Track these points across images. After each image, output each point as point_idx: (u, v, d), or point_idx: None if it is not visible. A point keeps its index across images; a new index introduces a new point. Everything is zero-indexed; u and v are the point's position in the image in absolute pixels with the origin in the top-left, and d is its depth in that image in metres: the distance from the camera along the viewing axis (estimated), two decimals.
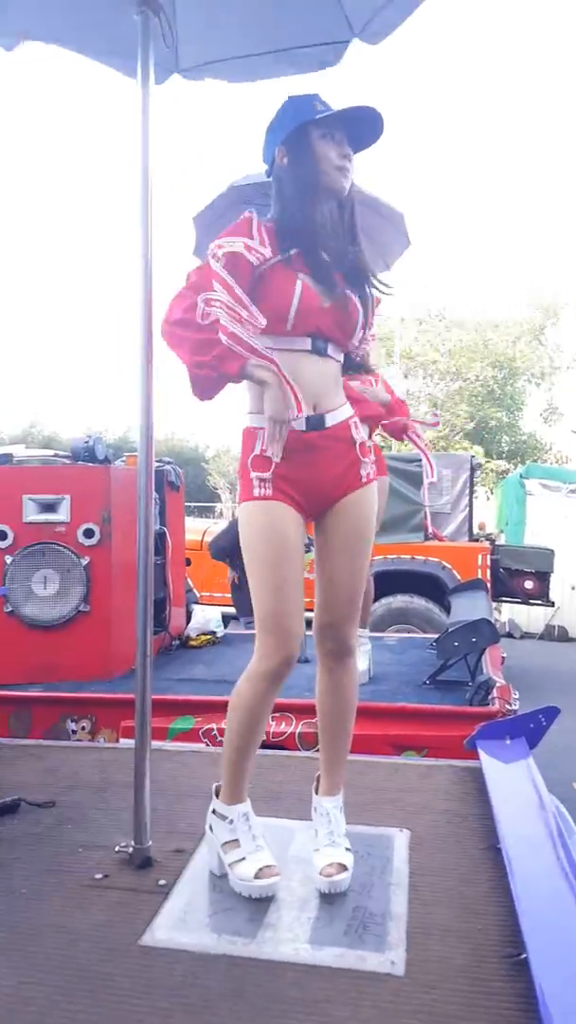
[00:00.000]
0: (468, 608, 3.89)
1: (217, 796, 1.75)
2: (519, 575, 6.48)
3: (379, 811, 2.06)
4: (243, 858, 1.66)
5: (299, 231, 1.65)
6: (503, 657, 3.67)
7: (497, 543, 7.20)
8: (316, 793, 1.81)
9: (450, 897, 1.65)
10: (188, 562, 4.64)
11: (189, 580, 4.73)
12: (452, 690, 3.17)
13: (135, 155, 1.78)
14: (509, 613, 9.06)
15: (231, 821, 1.70)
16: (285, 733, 2.78)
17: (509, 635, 9.03)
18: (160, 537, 3.92)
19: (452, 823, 2.01)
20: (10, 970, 1.40)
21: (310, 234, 1.65)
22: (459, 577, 5.79)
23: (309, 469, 1.66)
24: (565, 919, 1.44)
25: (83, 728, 2.98)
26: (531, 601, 6.73)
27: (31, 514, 3.36)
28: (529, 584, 6.50)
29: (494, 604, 6.16)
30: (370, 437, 3.40)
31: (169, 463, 4.24)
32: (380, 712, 2.77)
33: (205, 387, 1.66)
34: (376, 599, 5.43)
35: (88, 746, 2.77)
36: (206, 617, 4.34)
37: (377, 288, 1.78)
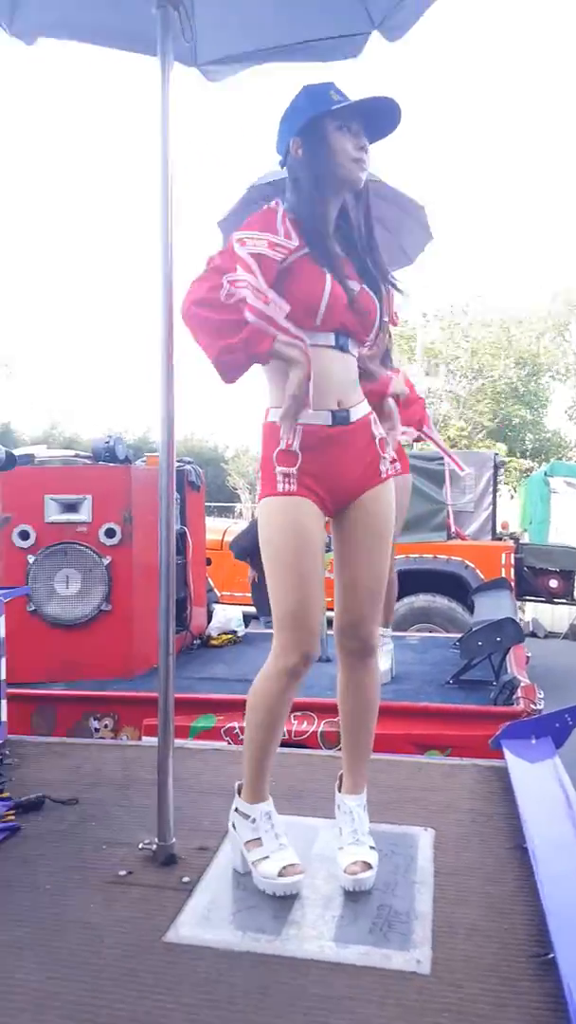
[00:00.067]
0: (492, 607, 3.86)
1: (239, 794, 1.75)
2: (543, 574, 6.41)
3: (403, 810, 2.04)
4: (266, 856, 1.66)
5: (315, 225, 1.63)
6: (528, 657, 3.63)
7: (521, 542, 7.13)
8: (339, 791, 1.80)
9: (476, 896, 1.63)
10: (208, 562, 4.65)
11: (210, 580, 4.73)
12: (475, 690, 3.14)
13: (154, 153, 1.79)
14: (533, 612, 8.96)
15: (254, 820, 1.70)
16: (307, 732, 2.78)
17: (533, 634, 8.92)
18: (181, 537, 3.93)
19: (477, 822, 1.99)
20: (36, 965, 1.41)
21: (325, 228, 1.64)
22: (482, 576, 5.73)
23: (334, 464, 1.66)
24: None
25: (106, 726, 3.00)
26: (556, 600, 6.65)
27: (53, 514, 3.39)
28: (554, 583, 6.43)
29: (518, 603, 6.09)
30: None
31: (190, 463, 4.26)
32: (403, 711, 2.76)
33: (233, 370, 1.60)
34: (398, 598, 5.40)
35: (111, 744, 2.78)
36: (227, 616, 4.35)
37: (393, 286, 1.77)
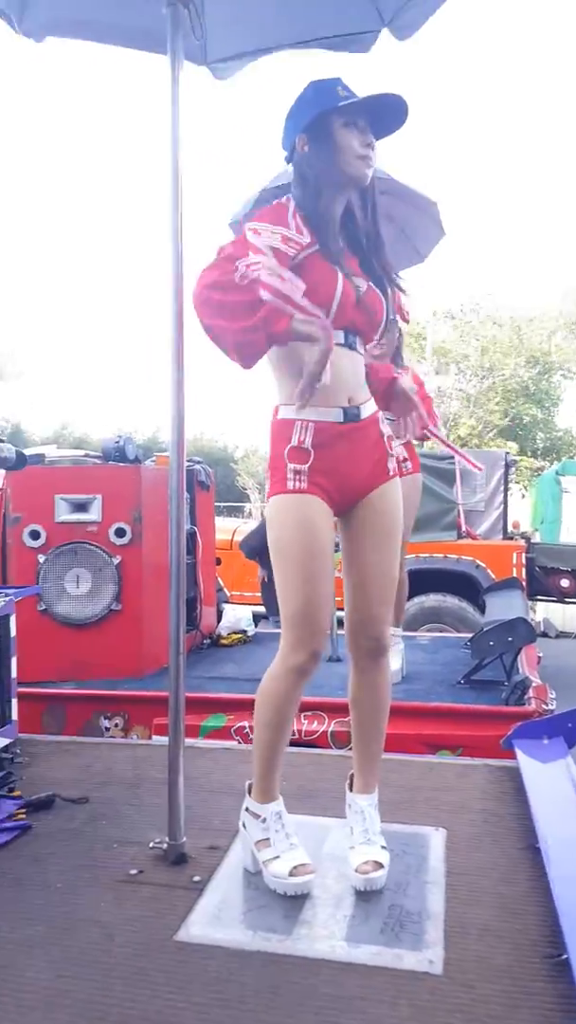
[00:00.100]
0: (503, 607, 3.84)
1: (249, 794, 1.74)
2: (555, 573, 6.36)
3: (414, 810, 2.03)
4: (277, 856, 1.66)
5: (321, 222, 1.62)
6: (539, 656, 3.61)
7: (532, 541, 7.08)
8: (351, 791, 1.79)
9: (488, 896, 1.62)
10: (218, 561, 4.65)
11: (220, 579, 4.74)
12: (486, 690, 3.12)
13: (163, 153, 1.78)
14: (544, 612, 8.90)
15: (264, 820, 1.69)
16: (318, 732, 2.77)
17: (544, 634, 8.87)
18: (190, 536, 3.94)
19: (489, 822, 1.98)
20: (47, 964, 1.41)
21: (332, 225, 1.63)
22: (493, 576, 5.70)
23: (344, 461, 1.65)
24: None
25: (116, 725, 3.00)
26: (567, 600, 6.61)
27: (63, 514, 3.40)
28: (565, 583, 6.38)
29: (530, 603, 6.06)
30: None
31: (199, 463, 4.26)
32: (414, 711, 2.75)
33: (252, 354, 1.55)
34: (408, 598, 5.38)
35: (121, 743, 2.78)
36: (237, 616, 4.35)
37: (397, 286, 1.75)
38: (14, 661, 2.45)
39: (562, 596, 6.56)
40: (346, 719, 2.73)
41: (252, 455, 24.07)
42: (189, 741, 2.08)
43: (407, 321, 3.13)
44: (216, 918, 1.55)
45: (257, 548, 4.90)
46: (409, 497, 3.43)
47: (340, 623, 3.90)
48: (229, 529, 6.67)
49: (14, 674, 2.45)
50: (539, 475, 12.60)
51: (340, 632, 3.95)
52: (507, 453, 7.14)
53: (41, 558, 3.38)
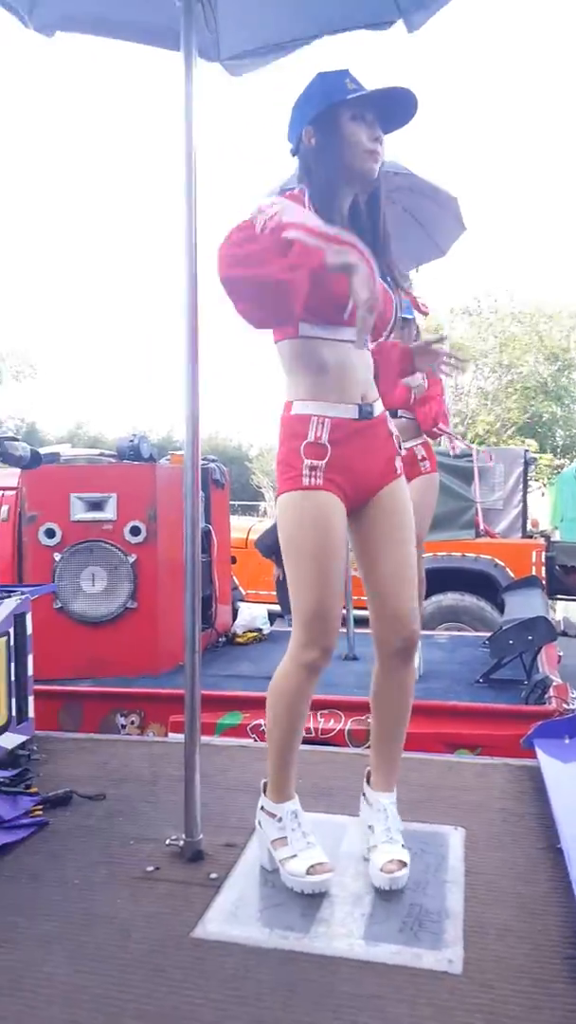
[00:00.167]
0: (523, 606, 3.80)
1: (265, 793, 1.73)
2: (575, 572, 6.29)
3: (433, 809, 2.01)
4: (294, 855, 1.64)
5: (329, 216, 1.58)
6: (560, 656, 3.57)
7: (552, 539, 7.01)
8: (371, 788, 1.76)
9: (508, 896, 1.60)
10: (234, 560, 4.65)
11: (235, 578, 4.73)
12: (505, 689, 3.10)
13: (177, 150, 1.77)
14: (564, 611, 8.81)
15: (280, 818, 1.68)
16: (334, 730, 2.76)
17: (564, 633, 8.78)
18: (206, 535, 3.94)
19: (509, 822, 1.96)
20: (65, 959, 1.41)
21: (339, 220, 1.61)
22: (512, 575, 5.65)
23: (358, 458, 1.64)
24: None
25: (132, 723, 3.01)
26: None
27: (78, 512, 3.41)
28: None
29: (549, 602, 5.99)
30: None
31: (214, 461, 4.26)
32: (433, 710, 2.73)
33: (295, 296, 1.43)
34: (426, 597, 5.35)
35: (138, 740, 2.78)
36: (252, 614, 4.35)
37: (399, 284, 1.74)
38: (30, 659, 2.45)
39: None
40: (363, 717, 2.74)
41: (267, 453, 24.08)
42: (205, 739, 2.08)
43: (426, 314, 3.11)
44: (233, 915, 1.54)
45: (273, 546, 4.89)
46: (426, 496, 3.42)
47: (357, 622, 3.92)
48: (244, 528, 6.68)
49: (30, 672, 2.46)
50: (559, 473, 12.47)
51: (357, 631, 3.96)
52: (526, 450, 7.05)
53: (57, 556, 3.39)
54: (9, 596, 2.40)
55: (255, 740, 2.69)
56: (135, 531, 3.40)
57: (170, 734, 2.82)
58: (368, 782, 1.78)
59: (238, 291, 1.46)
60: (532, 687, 2.94)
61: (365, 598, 1.72)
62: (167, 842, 1.80)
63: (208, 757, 2.16)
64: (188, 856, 1.76)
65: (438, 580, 5.64)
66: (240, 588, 5.18)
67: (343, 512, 1.64)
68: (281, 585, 5.11)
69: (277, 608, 5.31)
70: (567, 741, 2.28)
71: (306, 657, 1.62)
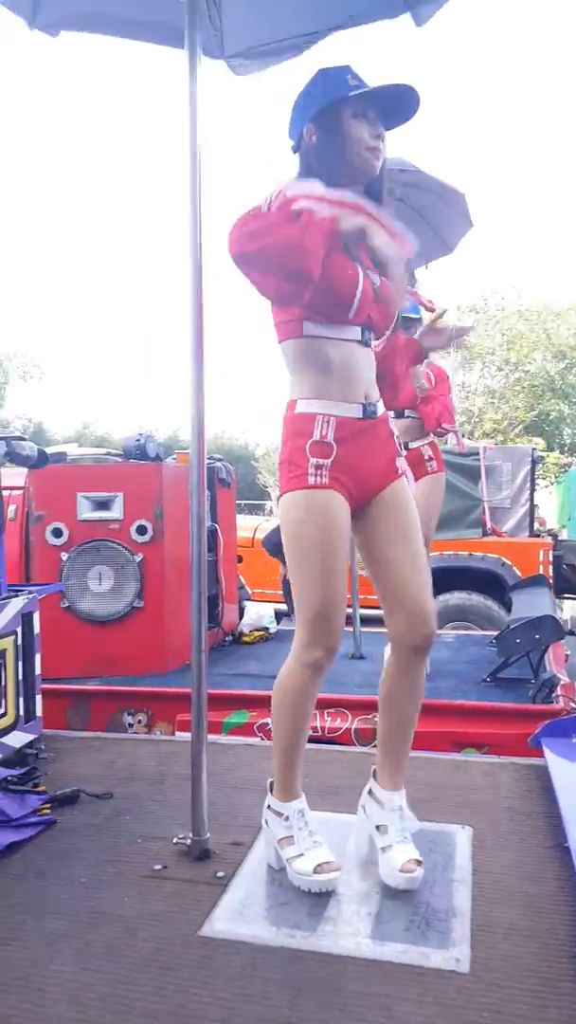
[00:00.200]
0: (530, 604, 3.79)
1: (271, 792, 1.73)
2: None
3: (440, 808, 2.01)
4: (301, 854, 1.65)
5: None
6: (567, 654, 3.55)
7: (560, 538, 6.98)
8: (381, 787, 1.73)
9: (515, 895, 1.60)
10: (240, 559, 4.65)
11: (241, 577, 4.73)
12: (512, 688, 3.09)
13: (182, 149, 1.77)
14: (572, 610, 8.78)
15: (287, 817, 1.68)
16: (341, 729, 2.76)
17: (572, 632, 8.75)
18: (212, 534, 3.94)
19: (516, 821, 1.95)
20: (71, 957, 1.41)
21: None
22: (519, 573, 5.63)
23: (362, 457, 1.64)
24: None
25: (139, 721, 3.01)
26: None
27: (85, 512, 3.42)
28: None
29: (557, 600, 5.97)
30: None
31: (220, 460, 4.26)
32: (440, 709, 2.72)
33: (314, 258, 1.43)
34: (433, 596, 5.33)
35: (145, 739, 2.79)
36: (259, 613, 4.35)
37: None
38: (38, 658, 2.46)
39: None
40: (369, 716, 2.73)
41: (273, 453, 24.06)
42: (212, 737, 2.08)
43: (432, 310, 3.10)
44: (240, 914, 1.54)
45: (279, 545, 4.88)
46: (432, 495, 3.41)
47: (363, 621, 3.92)
48: (250, 527, 6.68)
49: (38, 671, 2.46)
50: (566, 471, 12.42)
51: (364, 630, 3.95)
52: (534, 449, 7.02)
53: (64, 556, 3.40)
54: (16, 595, 2.40)
55: (262, 739, 2.69)
56: (142, 530, 3.40)
57: (177, 733, 2.83)
58: (376, 780, 1.77)
59: (252, 262, 1.45)
60: (539, 686, 2.93)
61: (377, 597, 1.71)
62: (174, 841, 1.80)
63: (215, 756, 2.16)
64: (195, 855, 1.76)
65: (445, 579, 5.62)
66: (247, 587, 5.18)
67: (348, 511, 1.63)
68: (288, 584, 5.10)
69: (284, 607, 5.31)
70: (574, 740, 2.28)
71: (310, 656, 1.62)
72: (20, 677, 2.36)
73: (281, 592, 5.41)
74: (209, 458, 4.16)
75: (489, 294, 19.66)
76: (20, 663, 2.35)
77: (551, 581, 5.29)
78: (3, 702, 2.26)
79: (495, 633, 4.05)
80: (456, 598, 5.72)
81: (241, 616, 4.36)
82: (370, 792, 1.75)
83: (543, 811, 1.99)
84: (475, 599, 5.72)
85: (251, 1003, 1.27)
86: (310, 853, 1.64)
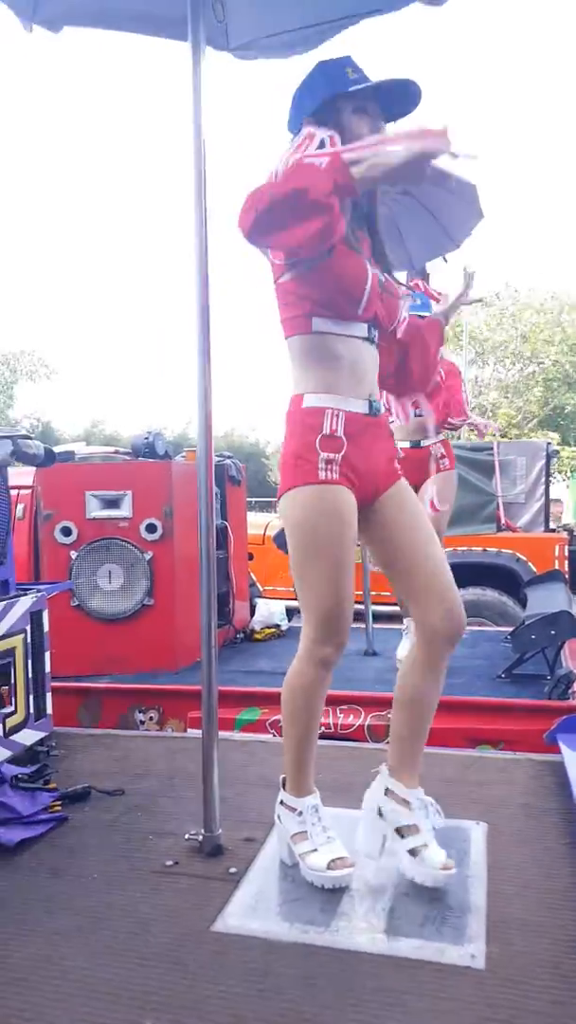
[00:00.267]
0: (546, 600, 3.75)
1: (284, 788, 1.72)
2: None
3: (455, 804, 1.98)
4: (315, 849, 1.63)
5: None
6: None
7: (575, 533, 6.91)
8: (406, 786, 1.67)
9: (531, 891, 1.57)
10: (251, 556, 4.63)
11: (252, 574, 4.72)
12: (527, 684, 3.06)
13: (186, 142, 1.75)
14: None
15: (300, 813, 1.67)
16: (354, 725, 2.74)
17: None
18: (222, 531, 3.93)
19: (531, 817, 1.93)
20: (84, 953, 1.40)
21: (344, 213, 1.57)
22: (534, 569, 5.58)
23: (368, 454, 1.63)
24: None
25: (151, 719, 3.01)
26: None
27: (94, 510, 3.42)
28: None
29: (573, 596, 5.91)
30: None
31: (230, 458, 4.25)
32: (455, 706, 2.69)
33: (325, 197, 1.35)
34: None
35: (157, 736, 2.78)
36: (270, 610, 4.33)
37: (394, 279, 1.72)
38: (48, 656, 2.46)
39: None
40: (382, 712, 2.71)
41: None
42: (224, 734, 2.07)
43: (438, 301, 3.07)
44: (253, 909, 1.53)
45: None
46: (444, 492, 3.38)
47: (375, 617, 3.89)
48: (261, 524, 6.66)
49: (48, 669, 2.46)
50: None
51: (376, 626, 3.93)
52: (548, 443, 6.96)
53: (73, 554, 3.40)
54: (25, 594, 2.40)
55: (274, 735, 2.67)
56: (151, 528, 3.40)
57: (189, 730, 2.82)
58: (395, 779, 1.68)
59: (266, 224, 1.38)
60: (555, 682, 2.90)
61: (397, 594, 1.68)
62: (186, 837, 1.80)
63: (227, 752, 2.15)
64: (207, 851, 1.75)
65: (459, 575, 5.50)
66: (258, 584, 5.17)
67: (355, 508, 1.62)
68: None
69: (295, 603, 5.29)
70: None
71: (321, 654, 1.60)
72: (30, 675, 2.35)
73: (292, 589, 5.39)
74: (219, 456, 4.15)
75: (502, 287, 19.53)
76: (30, 661, 2.35)
77: (567, 576, 5.24)
78: (13, 700, 2.26)
79: (510, 629, 4.02)
80: (470, 594, 5.68)
81: (252, 613, 4.35)
82: (387, 792, 1.68)
83: (559, 807, 1.97)
84: (490, 595, 5.68)
85: (264, 998, 1.26)
86: (324, 849, 1.63)
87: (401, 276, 2.07)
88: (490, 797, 2.05)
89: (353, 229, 1.59)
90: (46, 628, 2.45)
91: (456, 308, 2.19)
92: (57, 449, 2.99)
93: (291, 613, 4.73)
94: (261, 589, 5.39)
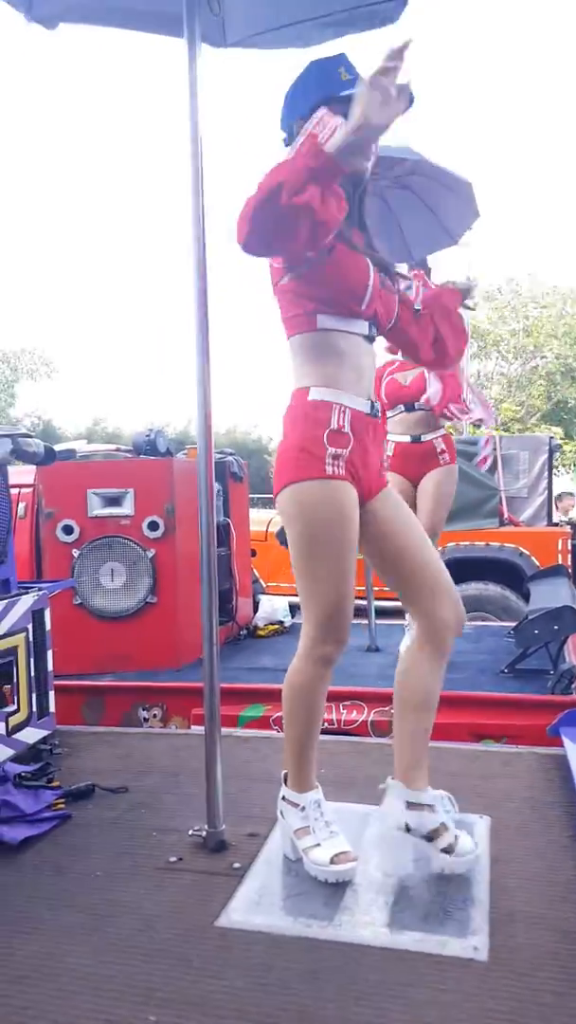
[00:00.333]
0: (549, 595, 3.74)
1: (286, 784, 1.72)
2: None
3: (459, 797, 1.97)
4: (318, 844, 1.63)
5: None
6: None
7: None
8: (424, 789, 1.65)
9: (534, 884, 1.57)
10: (253, 553, 4.63)
11: (255, 571, 4.71)
12: (530, 679, 3.06)
13: (183, 140, 1.75)
14: None
15: (303, 808, 1.67)
16: (357, 721, 2.74)
17: None
18: (224, 528, 3.93)
19: (535, 810, 1.93)
20: (89, 950, 1.41)
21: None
22: (538, 563, 5.57)
23: (367, 453, 1.63)
24: None
25: (154, 716, 3.01)
26: None
27: (96, 508, 3.42)
28: None
29: None
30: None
31: (231, 454, 4.25)
32: (459, 701, 2.69)
33: (317, 177, 1.34)
34: None
35: (160, 733, 2.79)
36: (273, 607, 4.33)
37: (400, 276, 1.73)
38: (50, 654, 2.46)
39: None
40: (386, 708, 2.71)
41: None
42: (227, 730, 2.07)
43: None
44: (257, 904, 1.53)
45: None
46: (444, 486, 3.38)
47: (378, 613, 3.89)
48: (264, 520, 6.66)
49: (50, 667, 2.46)
50: None
51: (379, 622, 3.93)
52: (551, 437, 6.94)
53: (75, 553, 3.40)
54: (27, 592, 2.40)
55: (277, 731, 2.67)
56: (153, 526, 3.40)
57: (193, 727, 2.82)
58: (413, 788, 1.65)
59: (260, 228, 1.37)
60: (558, 677, 2.90)
61: (399, 591, 1.68)
62: (190, 833, 1.80)
63: (230, 748, 2.15)
64: (211, 846, 1.76)
65: (462, 570, 5.58)
66: (261, 581, 5.17)
67: (358, 505, 1.62)
68: None
69: (298, 600, 5.29)
70: None
71: (323, 651, 1.60)
72: (32, 674, 2.36)
73: (295, 585, 5.38)
74: (220, 452, 4.15)
75: (504, 282, 19.44)
76: (32, 660, 2.36)
77: (570, 571, 5.23)
78: (16, 698, 2.27)
79: (513, 624, 4.01)
80: (473, 588, 5.67)
81: (255, 610, 4.35)
82: (409, 806, 1.63)
83: (562, 800, 1.97)
84: (492, 589, 5.67)
85: (268, 993, 1.26)
86: (327, 843, 1.63)
87: (402, 268, 2.06)
88: (494, 791, 2.05)
89: (349, 226, 1.59)
90: (48, 627, 2.46)
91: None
92: (58, 447, 2.99)
93: (294, 609, 4.73)
94: (264, 585, 5.39)
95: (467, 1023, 1.17)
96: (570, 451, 16.34)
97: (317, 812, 1.67)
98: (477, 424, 3.91)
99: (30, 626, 2.36)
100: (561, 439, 16.00)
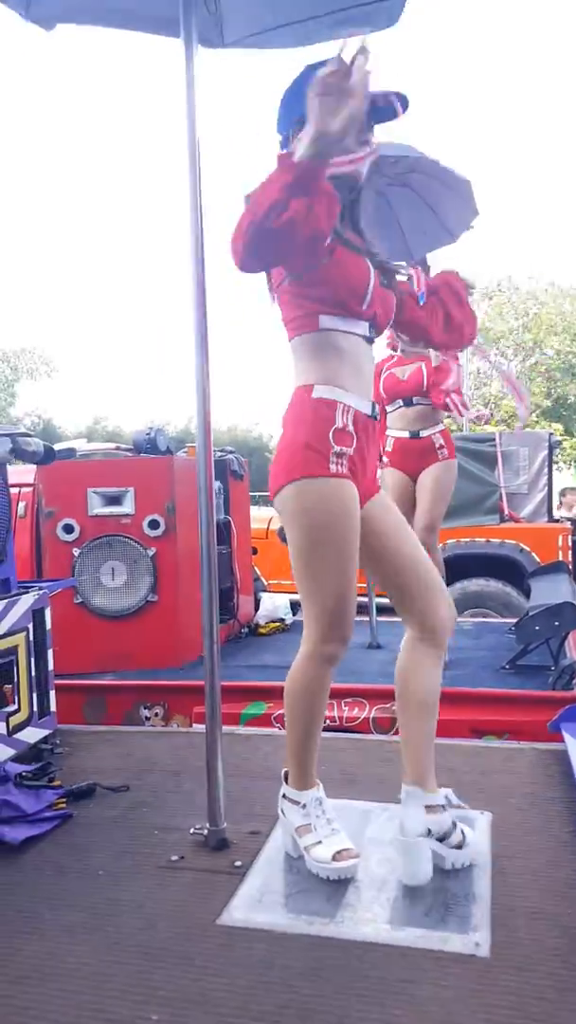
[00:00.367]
0: (550, 591, 3.73)
1: (286, 781, 1.72)
2: None
3: (460, 793, 1.97)
4: (319, 841, 1.63)
5: None
6: None
7: None
8: (438, 789, 1.66)
9: (536, 880, 1.58)
10: (254, 551, 4.63)
11: (256, 568, 4.71)
12: (532, 675, 3.06)
13: (181, 139, 1.74)
14: None
15: (304, 806, 1.67)
16: (359, 718, 2.74)
17: None
18: (225, 526, 3.93)
19: (536, 806, 1.93)
20: (90, 949, 1.41)
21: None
22: (538, 560, 5.57)
23: (367, 456, 1.64)
24: None
25: (156, 714, 3.01)
26: None
27: (96, 507, 3.41)
28: None
29: None
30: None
31: (231, 452, 4.24)
32: (460, 697, 2.69)
33: (312, 179, 1.34)
34: (449, 583, 5.28)
35: (161, 731, 2.79)
36: (275, 604, 4.33)
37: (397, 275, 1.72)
38: (51, 654, 2.46)
39: None
40: (387, 705, 2.71)
41: None
42: (228, 728, 2.07)
43: None
44: (259, 902, 1.53)
45: None
46: (443, 481, 3.38)
47: (380, 610, 3.89)
48: (265, 518, 6.66)
49: (51, 666, 2.47)
50: None
51: (380, 619, 3.93)
52: (551, 434, 6.93)
53: (76, 552, 3.40)
54: (27, 592, 2.40)
55: (279, 729, 2.67)
56: (154, 524, 3.40)
57: (194, 725, 2.82)
58: (429, 790, 1.63)
59: (257, 247, 1.38)
60: (559, 673, 2.90)
61: (394, 590, 1.68)
62: (191, 831, 1.80)
63: (232, 746, 2.15)
64: (212, 845, 1.76)
65: (463, 566, 5.58)
66: (262, 578, 5.17)
67: (359, 504, 1.62)
68: None
69: (299, 597, 5.28)
70: None
71: (326, 650, 1.60)
72: (33, 673, 2.36)
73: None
74: (221, 450, 4.14)
75: (503, 279, 19.42)
76: (32, 659, 2.36)
77: (571, 567, 5.23)
78: (16, 698, 2.27)
79: (514, 620, 4.01)
80: (474, 585, 5.67)
81: (257, 608, 4.35)
82: (428, 809, 1.61)
83: (563, 796, 1.97)
84: (493, 586, 5.67)
85: (270, 991, 1.26)
86: (328, 840, 1.63)
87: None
88: (495, 787, 2.05)
89: (345, 228, 1.60)
90: (48, 626, 2.46)
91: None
92: (58, 446, 2.99)
93: (295, 607, 4.73)
94: (266, 583, 5.39)
95: (469, 1019, 1.18)
96: (570, 447, 16.32)
97: (318, 809, 1.67)
98: (476, 421, 3.90)
99: (31, 625, 2.36)
100: (561, 435, 15.98)
